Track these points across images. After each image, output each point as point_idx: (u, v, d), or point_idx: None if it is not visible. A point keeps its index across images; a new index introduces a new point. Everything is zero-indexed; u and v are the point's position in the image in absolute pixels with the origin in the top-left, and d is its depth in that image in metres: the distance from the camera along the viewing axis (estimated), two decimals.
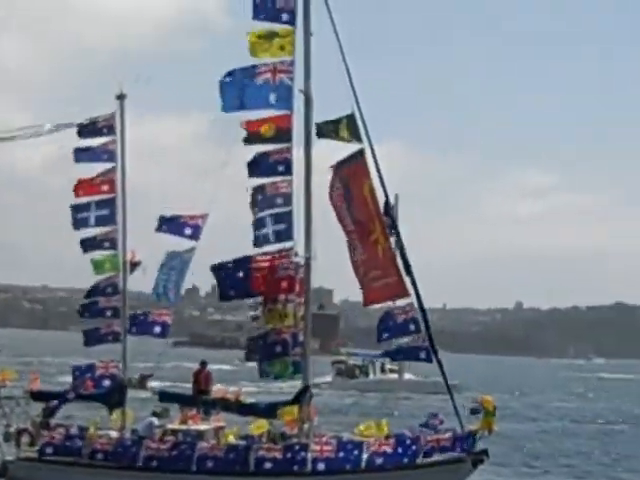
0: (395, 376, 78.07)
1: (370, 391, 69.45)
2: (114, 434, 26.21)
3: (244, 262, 24.89)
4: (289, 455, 24.02)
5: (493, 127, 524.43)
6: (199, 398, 26.77)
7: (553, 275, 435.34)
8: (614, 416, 62.99)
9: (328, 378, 78.80)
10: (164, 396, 26.63)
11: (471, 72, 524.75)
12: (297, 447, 24.20)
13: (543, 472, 35.13)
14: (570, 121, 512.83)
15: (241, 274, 24.78)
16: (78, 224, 27.00)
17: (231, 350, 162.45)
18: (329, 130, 24.92)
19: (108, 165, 27.07)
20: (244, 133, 24.73)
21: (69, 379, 28.56)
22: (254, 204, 24.98)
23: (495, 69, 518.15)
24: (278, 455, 24.05)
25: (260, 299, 25.28)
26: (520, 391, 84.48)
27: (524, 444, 42.42)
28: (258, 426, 25.80)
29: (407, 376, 78.19)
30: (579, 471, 36.09)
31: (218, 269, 24.87)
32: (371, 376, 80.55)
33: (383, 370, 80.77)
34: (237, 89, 24.50)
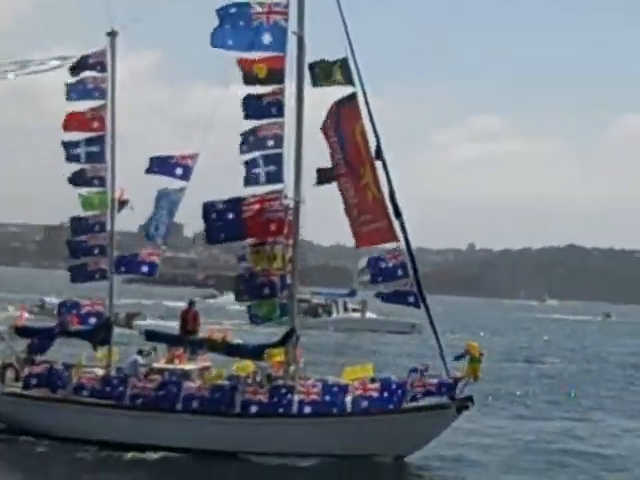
0: (358, 315, 78.80)
1: (333, 330, 70.06)
2: (99, 372, 26.23)
3: (234, 204, 24.79)
4: (275, 398, 24.11)
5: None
6: (186, 338, 26.75)
7: (506, 218, 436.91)
8: (567, 355, 63.56)
9: None
10: (150, 335, 26.62)
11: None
12: (283, 390, 24.28)
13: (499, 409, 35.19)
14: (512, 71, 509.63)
15: (231, 216, 24.71)
16: (70, 159, 26.75)
17: (185, 287, 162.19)
18: (323, 74, 24.76)
19: (99, 102, 26.72)
20: (238, 72, 24.58)
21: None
22: (245, 145, 24.87)
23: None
24: (264, 398, 24.16)
25: (249, 241, 25.24)
26: (485, 331, 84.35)
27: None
28: (242, 367, 25.72)
29: (369, 315, 78.92)
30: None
31: (208, 210, 24.76)
32: (334, 315, 79.97)
33: (346, 309, 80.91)
34: (230, 27, 24.26)
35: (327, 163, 25.40)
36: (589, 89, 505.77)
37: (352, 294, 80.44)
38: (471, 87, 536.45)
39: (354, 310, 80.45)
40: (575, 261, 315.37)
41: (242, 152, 25.08)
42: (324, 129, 25.23)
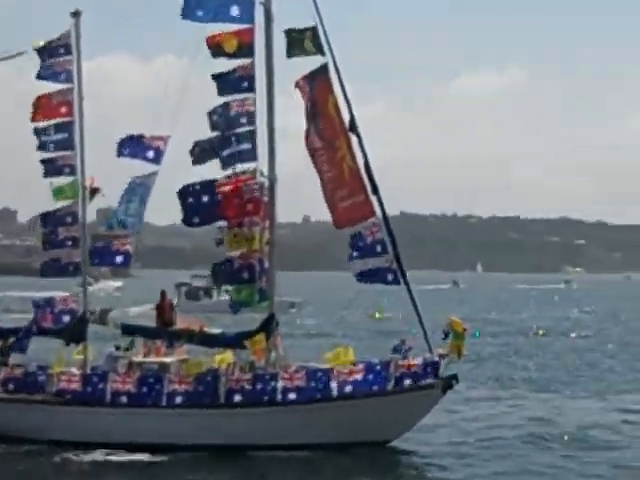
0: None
1: (214, 312, 69.08)
2: (75, 371, 25.23)
3: (209, 186, 24.01)
4: (259, 386, 23.30)
5: None
6: (164, 330, 25.77)
7: None
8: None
9: (150, 305, 77.67)
10: (127, 329, 25.74)
11: None
12: (267, 377, 23.47)
13: None
14: None
15: (206, 199, 23.88)
16: (40, 148, 25.83)
17: (26, 277, 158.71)
18: (296, 43, 23.90)
19: (66, 86, 25.72)
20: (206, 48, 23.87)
21: None
22: (218, 123, 24.10)
23: None
24: (248, 386, 23.32)
25: (225, 224, 24.36)
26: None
27: None
28: (222, 358, 24.79)
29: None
30: None
31: (184, 193, 24.00)
32: (215, 298, 78.73)
33: (227, 291, 79.62)
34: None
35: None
36: None
37: None
38: None
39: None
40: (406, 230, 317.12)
41: (214, 129, 24.32)
42: (299, 86, 24.37)
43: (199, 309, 68.61)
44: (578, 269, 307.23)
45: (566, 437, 25.62)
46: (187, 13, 23.71)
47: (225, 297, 77.61)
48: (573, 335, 60.74)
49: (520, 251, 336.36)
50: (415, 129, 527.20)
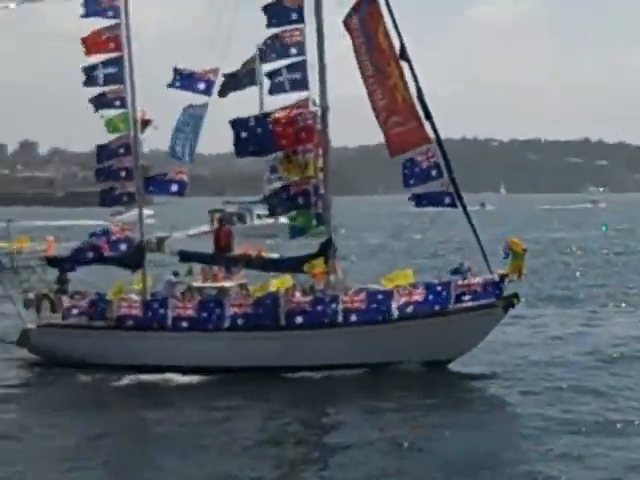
0: (271, 220, 76.91)
1: (250, 236, 70.04)
2: (135, 297, 25.87)
3: (263, 118, 24.44)
4: (319, 308, 23.79)
5: None
6: (221, 255, 26.34)
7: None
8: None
9: (206, 227, 77.16)
10: (185, 255, 26.15)
11: None
12: (327, 299, 23.96)
13: None
14: None
15: (260, 130, 24.28)
16: (88, 83, 26.17)
17: (45, 207, 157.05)
18: None
19: (113, 21, 26.00)
20: None
21: None
22: (268, 53, 24.58)
23: None
24: (308, 308, 23.85)
25: (280, 153, 24.81)
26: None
27: None
28: (281, 282, 25.42)
29: (282, 220, 77.61)
30: None
31: (237, 125, 24.40)
32: (248, 222, 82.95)
33: (259, 216, 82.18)
34: None
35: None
36: None
37: (263, 201, 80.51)
38: None
39: (266, 217, 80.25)
40: None
41: (265, 61, 24.79)
42: (347, 25, 24.60)
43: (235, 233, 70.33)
44: (601, 189, 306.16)
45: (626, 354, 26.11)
46: None
47: (257, 221, 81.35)
48: (609, 253, 61.45)
49: (542, 172, 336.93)
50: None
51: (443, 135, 24.49)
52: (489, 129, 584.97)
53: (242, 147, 24.78)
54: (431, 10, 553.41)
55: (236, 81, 26.45)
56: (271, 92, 24.84)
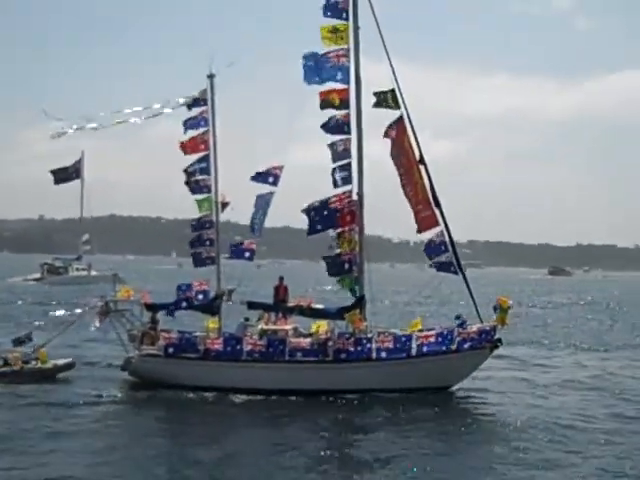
0: (85, 273, 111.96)
1: (70, 284, 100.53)
2: (215, 335, 33.53)
3: (325, 203, 32.72)
4: (359, 347, 31.78)
5: None
6: (280, 305, 34.43)
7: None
8: None
9: (37, 275, 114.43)
10: (252, 305, 33.79)
11: None
12: (364, 340, 31.96)
13: None
14: None
15: (325, 212, 32.59)
16: (190, 175, 34.56)
17: None
18: (381, 99, 32.64)
19: (203, 129, 34.56)
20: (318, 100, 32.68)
21: None
22: (333, 156, 32.75)
23: None
24: (351, 347, 31.84)
25: (337, 230, 33.06)
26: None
27: None
28: (319, 325, 33.05)
29: (93, 272, 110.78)
30: None
31: (309, 210, 32.62)
32: (70, 273, 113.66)
33: (77, 269, 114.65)
34: (316, 68, 32.30)
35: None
36: None
37: (79, 259, 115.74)
38: None
39: (82, 269, 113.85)
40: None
41: (333, 161, 32.92)
42: (388, 135, 32.86)
43: (59, 282, 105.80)
44: None
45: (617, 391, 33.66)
46: (309, 80, 32.34)
47: (76, 273, 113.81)
48: None
49: None
50: None
51: None
52: None
53: (313, 226, 32.86)
54: None
55: None
56: (335, 186, 32.83)
